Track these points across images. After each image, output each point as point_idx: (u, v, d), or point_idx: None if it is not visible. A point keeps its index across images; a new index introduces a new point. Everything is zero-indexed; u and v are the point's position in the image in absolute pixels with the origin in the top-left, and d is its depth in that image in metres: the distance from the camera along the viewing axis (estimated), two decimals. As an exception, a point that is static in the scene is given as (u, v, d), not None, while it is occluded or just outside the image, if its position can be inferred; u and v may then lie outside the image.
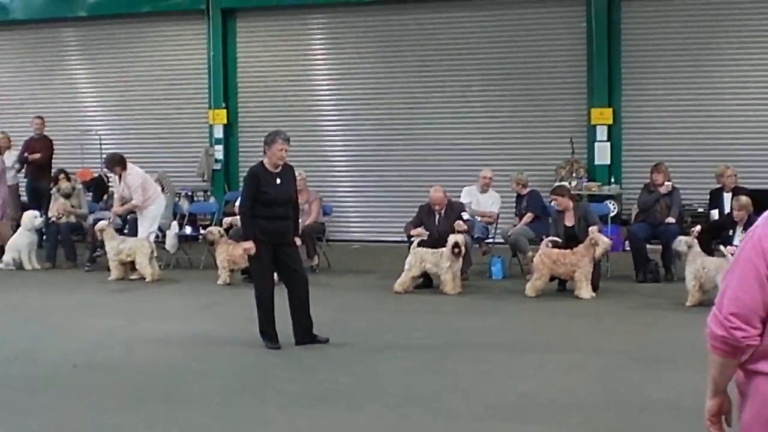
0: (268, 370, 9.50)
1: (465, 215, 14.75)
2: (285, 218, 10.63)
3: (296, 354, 10.20)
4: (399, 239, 17.03)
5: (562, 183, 17.08)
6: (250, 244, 10.49)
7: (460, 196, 16.44)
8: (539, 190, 16.73)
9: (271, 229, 10.49)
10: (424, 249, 14.29)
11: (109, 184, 19.76)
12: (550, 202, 15.38)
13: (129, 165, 16.23)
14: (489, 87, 20.23)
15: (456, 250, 14.01)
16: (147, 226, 16.11)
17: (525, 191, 16.33)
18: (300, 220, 16.16)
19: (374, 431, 7.37)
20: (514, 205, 16.55)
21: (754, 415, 3.64)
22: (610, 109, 19.22)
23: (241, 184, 20.50)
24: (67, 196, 17.68)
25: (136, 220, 16.47)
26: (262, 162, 10.69)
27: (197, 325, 11.96)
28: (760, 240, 3.54)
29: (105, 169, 16.54)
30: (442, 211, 14.76)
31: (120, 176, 16.17)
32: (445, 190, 15.13)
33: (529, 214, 15.89)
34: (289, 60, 21.69)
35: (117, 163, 16.21)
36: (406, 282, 14.22)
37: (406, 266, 14.28)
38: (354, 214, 21.27)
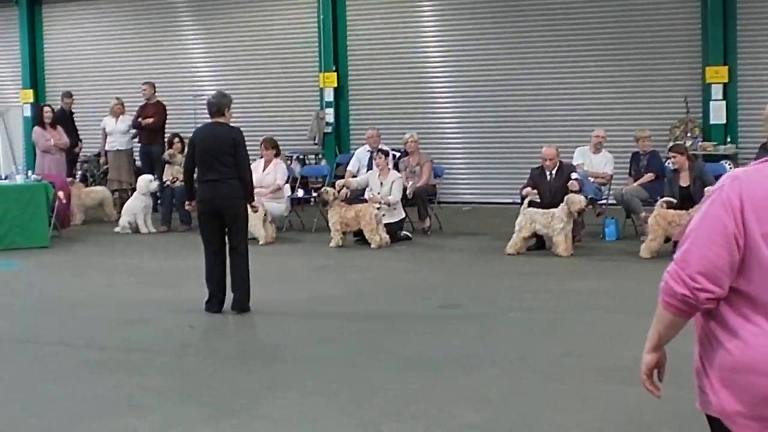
0: (381, 334, 9.52)
1: (574, 175, 14.59)
2: None
3: (409, 318, 10.21)
4: (510, 201, 16.91)
5: (678, 142, 16.79)
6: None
7: (572, 158, 16.24)
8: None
9: None
10: (534, 209, 14.20)
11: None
12: (666, 161, 15.14)
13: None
14: (601, 46, 19.90)
15: (581, 213, 14.03)
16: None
17: (649, 149, 16.01)
18: (412, 182, 16.31)
19: (487, 395, 7.33)
20: (629, 165, 16.27)
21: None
22: (726, 67, 18.78)
23: (352, 147, 20.69)
24: (171, 164, 17.86)
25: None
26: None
27: (310, 287, 12.05)
28: (729, 198, 3.39)
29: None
30: (553, 171, 14.62)
31: (268, 160, 16.65)
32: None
33: (649, 174, 15.58)
34: (400, 21, 21.61)
35: (274, 146, 16.73)
36: (517, 243, 14.14)
37: (516, 227, 14.21)
38: (465, 176, 21.19)
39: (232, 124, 10.77)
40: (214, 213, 10.49)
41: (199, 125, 11.38)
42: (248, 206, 10.75)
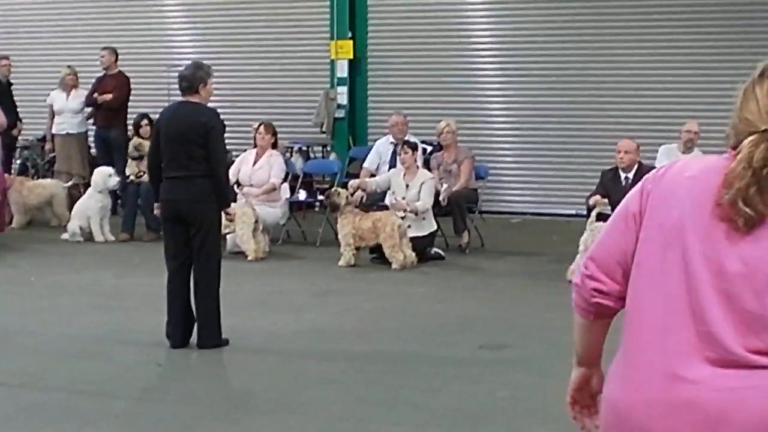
0: (403, 380, 9.54)
1: (656, 180, 14.60)
2: None
3: (438, 361, 10.23)
4: (573, 212, 16.95)
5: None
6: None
7: (656, 158, 16.24)
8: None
9: None
10: (604, 224, 14.15)
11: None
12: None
13: None
14: (690, 24, 19.87)
15: None
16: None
17: None
18: (446, 185, 16.34)
19: (541, 461, 7.37)
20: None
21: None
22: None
23: (371, 137, 20.73)
24: (140, 158, 17.68)
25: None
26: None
27: (312, 317, 12.09)
28: (644, 182, 3.57)
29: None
30: (630, 175, 14.64)
31: (263, 148, 16.77)
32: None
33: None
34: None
35: (274, 132, 16.92)
36: (582, 268, 14.13)
37: (581, 247, 14.15)
38: (515, 179, 21.15)
39: (209, 105, 10.77)
40: (177, 219, 10.49)
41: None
42: (222, 213, 10.81)
